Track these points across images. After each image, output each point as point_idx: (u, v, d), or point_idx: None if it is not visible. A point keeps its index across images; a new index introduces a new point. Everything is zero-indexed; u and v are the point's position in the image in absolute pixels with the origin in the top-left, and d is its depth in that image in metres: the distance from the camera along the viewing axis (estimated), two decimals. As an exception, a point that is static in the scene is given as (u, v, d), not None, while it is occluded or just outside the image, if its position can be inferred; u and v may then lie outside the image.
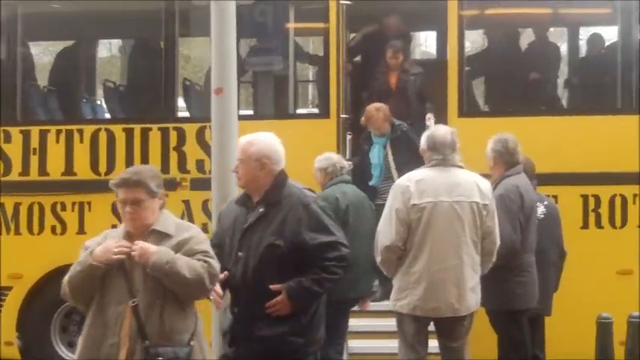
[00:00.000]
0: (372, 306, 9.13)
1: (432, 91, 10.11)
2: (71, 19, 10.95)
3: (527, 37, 11.29)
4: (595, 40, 10.91)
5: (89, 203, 9.57)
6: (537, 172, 8.31)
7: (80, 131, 9.77)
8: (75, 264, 5.16)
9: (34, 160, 9.75)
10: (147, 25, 10.68)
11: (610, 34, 10.79)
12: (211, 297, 5.59)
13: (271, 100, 10.44)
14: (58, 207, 9.69)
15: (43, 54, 15.40)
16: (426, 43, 21.96)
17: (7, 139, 9.80)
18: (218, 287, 5.54)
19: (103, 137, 9.73)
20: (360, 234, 8.10)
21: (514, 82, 10.38)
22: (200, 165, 9.50)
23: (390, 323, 7.16)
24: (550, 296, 8.16)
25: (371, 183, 9.64)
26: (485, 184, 6.80)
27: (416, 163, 7.25)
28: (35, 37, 11.27)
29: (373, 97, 10.06)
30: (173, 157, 9.65)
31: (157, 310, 5.01)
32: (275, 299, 5.46)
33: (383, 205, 7.07)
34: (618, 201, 9.46)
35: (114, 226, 5.86)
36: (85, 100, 11.08)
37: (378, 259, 6.85)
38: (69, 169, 9.71)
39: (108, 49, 15.96)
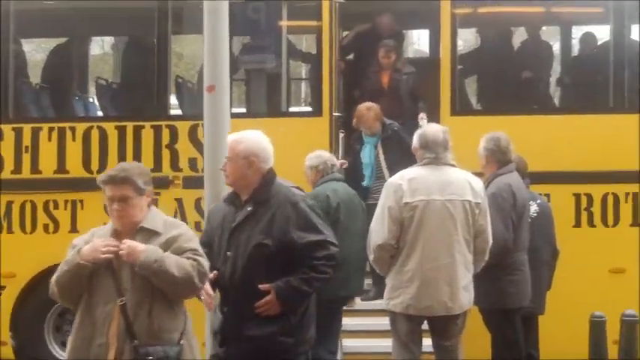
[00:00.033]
0: (366, 305, 9.16)
1: (424, 90, 10.12)
2: (64, 16, 10.91)
3: (519, 36, 11.30)
4: (587, 39, 10.94)
5: (82, 201, 9.54)
6: (530, 170, 8.32)
7: (72, 129, 9.74)
8: (62, 263, 5.11)
9: (26, 158, 9.71)
10: (139, 22, 10.65)
11: (602, 33, 10.81)
12: (202, 297, 5.57)
13: (264, 97, 10.43)
14: (51, 205, 9.66)
15: (36, 51, 15.37)
16: (419, 41, 21.96)
17: (-1, 136, 9.79)
18: (209, 287, 5.52)
19: (95, 135, 9.70)
20: (351, 232, 8.11)
21: (506, 80, 10.39)
22: (193, 163, 9.49)
23: (384, 322, 7.16)
24: (543, 295, 8.17)
25: (364, 183, 9.63)
26: (478, 183, 6.80)
27: (407, 163, 7.23)
28: (27, 34, 11.23)
29: (365, 96, 10.07)
30: (165, 155, 9.63)
31: (145, 309, 4.98)
32: (264, 299, 5.44)
33: (375, 205, 7.06)
34: (611, 199, 9.49)
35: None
36: (77, 98, 11.06)
37: (371, 257, 6.85)
38: (61, 167, 9.68)
39: (100, 46, 15.95)
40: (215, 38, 7.22)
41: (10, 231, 9.67)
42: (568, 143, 9.45)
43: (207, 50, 7.26)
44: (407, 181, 6.67)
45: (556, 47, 12.18)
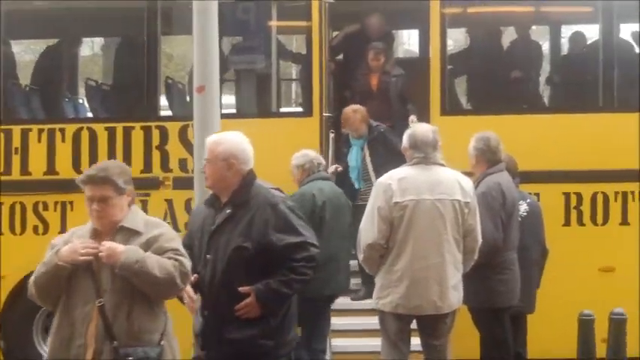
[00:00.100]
0: (355, 304, 9.17)
1: (414, 90, 10.11)
2: (53, 17, 10.91)
3: (509, 36, 11.33)
4: (577, 38, 10.97)
5: (71, 203, 9.50)
6: (519, 169, 8.33)
7: (62, 130, 9.72)
8: (40, 264, 5.06)
9: (16, 160, 9.68)
10: (129, 23, 10.63)
11: (592, 33, 10.83)
12: (185, 300, 5.55)
13: (254, 98, 10.43)
14: (40, 207, 9.65)
15: (25, 52, 15.35)
16: (409, 41, 21.99)
17: (-11, 138, 9.76)
18: (191, 290, 5.48)
19: (85, 136, 9.68)
20: (337, 231, 8.13)
21: (496, 80, 10.41)
22: (183, 164, 9.47)
23: (373, 321, 7.17)
24: (533, 294, 8.18)
25: (356, 186, 9.61)
26: (467, 182, 6.82)
27: (393, 164, 7.22)
28: (17, 35, 11.21)
29: (355, 98, 10.05)
30: (156, 156, 9.62)
31: (124, 311, 4.92)
32: (244, 302, 5.40)
33: (364, 206, 7.06)
34: (600, 198, 9.52)
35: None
36: (67, 99, 11.04)
37: (361, 257, 6.86)
38: (51, 168, 9.66)
39: (90, 47, 15.93)
40: (205, 39, 7.22)
41: (-1, 232, 9.66)
42: (558, 142, 9.47)
43: (197, 51, 7.26)
44: (396, 181, 6.68)
45: (545, 47, 12.21)
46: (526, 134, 9.36)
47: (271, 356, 5.54)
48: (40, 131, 9.72)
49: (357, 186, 9.56)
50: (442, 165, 6.80)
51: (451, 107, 9.85)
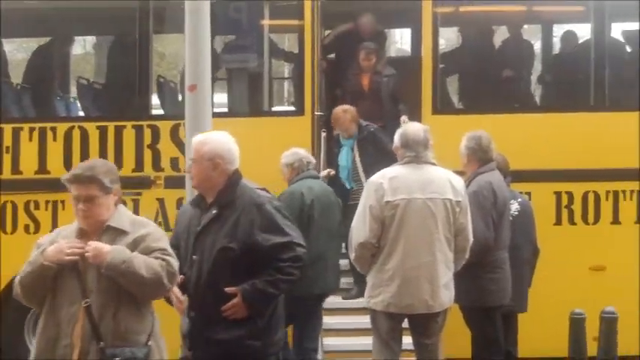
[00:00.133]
0: (347, 303, 9.17)
1: (406, 89, 10.10)
2: (45, 15, 10.89)
3: (501, 35, 11.34)
4: (568, 37, 10.99)
5: (63, 202, 9.47)
6: (511, 169, 8.34)
7: (53, 129, 9.71)
8: (26, 264, 5.01)
9: (7, 159, 9.65)
10: (121, 21, 10.62)
11: (583, 32, 10.85)
12: (173, 301, 5.53)
13: (246, 97, 10.43)
14: (32, 206, 9.63)
15: (17, 51, 15.32)
16: (401, 40, 22.01)
17: (-20, 137, 9.74)
18: (178, 292, 5.46)
19: (76, 135, 9.67)
20: (327, 229, 8.14)
21: (488, 79, 10.42)
22: (174, 163, 9.46)
23: (365, 320, 7.17)
24: (524, 293, 8.19)
25: (347, 186, 9.59)
26: (458, 181, 6.83)
27: (383, 164, 7.22)
28: (8, 34, 11.17)
29: (346, 98, 10.04)
30: (147, 154, 9.60)
31: (110, 311, 4.88)
32: (230, 302, 5.39)
33: (355, 205, 7.06)
34: (591, 197, 9.54)
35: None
36: (58, 98, 11.02)
37: (352, 256, 6.86)
38: (42, 167, 9.64)
39: (82, 46, 15.90)
40: (197, 37, 7.22)
41: (-10, 231, 9.64)
42: (549, 142, 9.49)
43: (189, 49, 7.25)
44: (388, 180, 6.68)
45: (537, 46, 12.22)
46: (517, 133, 9.37)
47: (258, 357, 5.53)
48: (32, 130, 9.69)
49: (347, 186, 9.55)
50: (433, 164, 6.80)
51: (443, 106, 9.85)
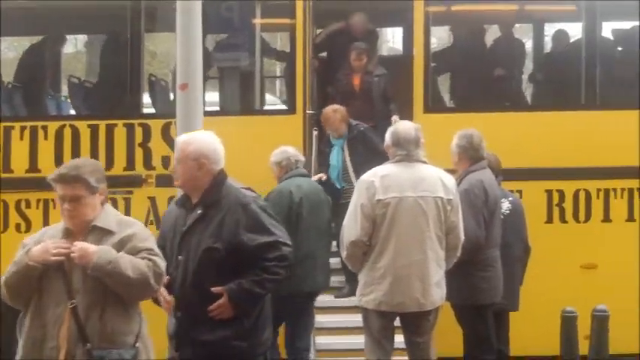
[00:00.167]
0: (339, 302, 9.18)
1: (397, 88, 10.09)
2: (36, 14, 10.87)
3: (492, 34, 11.36)
4: (559, 36, 11.01)
5: (54, 201, 9.42)
6: (502, 167, 8.34)
7: (44, 128, 9.69)
8: (11, 264, 4.94)
9: (-2, 157, 9.66)
10: (112, 20, 10.61)
11: (574, 31, 10.88)
12: (161, 302, 5.49)
13: (237, 95, 10.43)
14: (23, 204, 9.62)
15: (8, 49, 15.28)
16: (393, 39, 22.03)
17: (-29, 136, 9.71)
18: (165, 292, 5.41)
19: (67, 134, 9.66)
20: (315, 227, 8.14)
21: (479, 78, 10.44)
22: (166, 161, 9.44)
23: (357, 319, 7.16)
24: (516, 291, 8.20)
25: (337, 186, 9.54)
26: (450, 179, 6.82)
27: (373, 163, 7.19)
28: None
29: (337, 98, 10.01)
30: (138, 153, 9.60)
31: (97, 312, 4.81)
32: (216, 302, 5.35)
33: (347, 204, 7.05)
34: (582, 196, 9.57)
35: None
36: (49, 97, 11.00)
37: (344, 254, 6.86)
38: (33, 166, 9.63)
39: (73, 44, 15.88)
40: (188, 36, 7.21)
41: (-20, 230, 9.61)
42: (540, 140, 9.51)
43: (180, 48, 7.24)
44: (379, 178, 6.67)
45: (528, 45, 12.25)
46: (509, 132, 9.40)
47: (245, 357, 5.48)
48: (23, 129, 9.69)
49: (337, 186, 9.52)
50: (425, 162, 6.80)
51: (434, 105, 9.87)
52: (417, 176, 6.69)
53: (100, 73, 10.97)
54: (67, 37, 12.21)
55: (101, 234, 4.94)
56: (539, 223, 9.23)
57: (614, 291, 9.08)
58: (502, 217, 7.80)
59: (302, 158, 8.57)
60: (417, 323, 6.75)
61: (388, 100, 10.07)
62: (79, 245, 4.82)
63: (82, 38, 14.06)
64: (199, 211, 5.44)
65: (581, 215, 9.58)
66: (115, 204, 9.44)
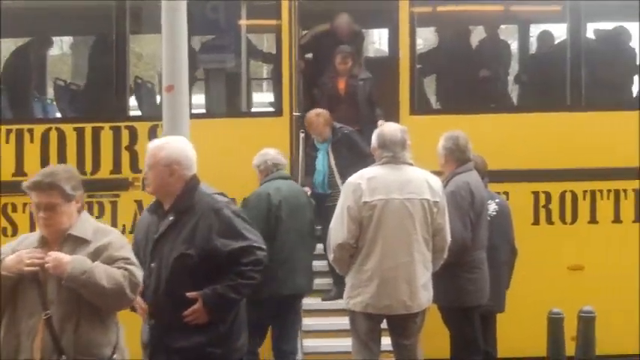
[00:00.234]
0: (326, 305, 9.17)
1: (383, 90, 10.07)
2: (21, 16, 10.82)
3: (478, 35, 11.37)
4: (544, 37, 11.04)
5: (40, 204, 9.43)
6: (488, 169, 8.35)
7: (30, 131, 9.66)
8: None
9: (-16, 161, 9.62)
10: (98, 22, 10.56)
11: (559, 32, 10.91)
12: (137, 311, 5.44)
13: (224, 97, 10.41)
14: (9, 208, 9.58)
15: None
16: (379, 40, 22.03)
17: (-43, 139, 9.67)
18: (141, 300, 5.34)
19: (53, 137, 9.63)
20: (296, 230, 8.13)
21: (465, 79, 10.44)
22: (152, 164, 9.41)
23: (345, 322, 7.16)
24: (502, 293, 8.20)
25: (317, 190, 9.47)
26: (436, 181, 6.82)
27: (358, 166, 7.19)
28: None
29: (323, 102, 9.96)
30: (125, 156, 9.58)
31: (72, 323, 4.72)
32: (191, 308, 5.30)
33: (333, 208, 7.04)
34: (569, 197, 9.60)
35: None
36: (35, 99, 10.96)
37: (331, 257, 6.84)
38: (19, 169, 9.58)
39: (59, 46, 15.81)
40: (174, 37, 7.16)
41: (-33, 234, 9.57)
42: (526, 142, 9.54)
43: (166, 50, 7.19)
44: (366, 181, 6.67)
45: (514, 46, 12.28)
46: (495, 133, 9.41)
47: None
48: (9, 132, 9.65)
49: (319, 190, 9.49)
50: (411, 164, 6.79)
51: (420, 107, 9.87)
52: (404, 178, 6.68)
53: (86, 75, 10.94)
54: (53, 39, 12.16)
55: (76, 243, 4.85)
56: (525, 224, 9.25)
57: (601, 292, 9.12)
58: (489, 218, 7.80)
59: (283, 161, 8.51)
60: (403, 325, 6.75)
61: (373, 105, 10.00)
62: (53, 255, 4.73)
63: (67, 40, 14.02)
64: (171, 218, 5.38)
65: (568, 217, 9.61)
66: (101, 207, 9.48)
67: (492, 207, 8.07)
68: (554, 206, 9.61)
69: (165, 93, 7.15)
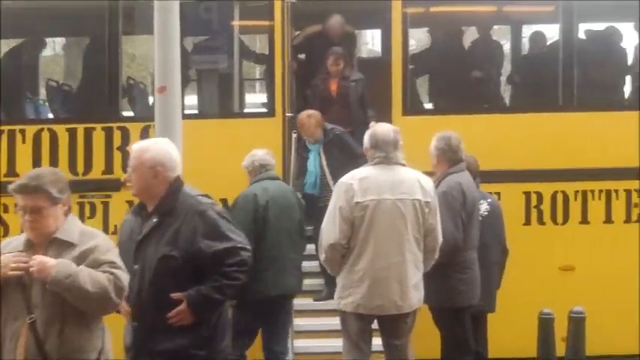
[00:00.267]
0: (318, 305, 9.18)
1: (376, 91, 10.07)
2: (13, 17, 10.80)
3: (470, 36, 11.39)
4: (537, 38, 11.05)
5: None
6: (480, 169, 8.37)
7: (22, 131, 9.65)
8: None
9: (-24, 162, 9.61)
10: (90, 22, 10.56)
11: (552, 32, 10.93)
12: (122, 313, 5.40)
13: (216, 98, 10.41)
14: (1, 209, 9.57)
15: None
16: (372, 41, 22.03)
17: (-51, 140, 9.66)
18: (125, 303, 5.31)
19: (45, 137, 9.62)
20: (285, 230, 8.15)
21: (458, 80, 10.46)
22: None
23: (336, 322, 7.15)
24: (493, 293, 8.22)
25: (306, 190, 9.47)
26: (428, 182, 6.83)
27: (350, 167, 7.20)
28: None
29: (315, 104, 9.95)
30: (117, 157, 9.57)
31: (56, 327, 4.70)
32: (176, 309, 5.28)
33: (325, 209, 7.04)
34: (560, 198, 9.62)
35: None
36: (27, 100, 10.94)
37: (322, 257, 6.84)
38: (11, 170, 9.57)
39: (51, 47, 15.81)
40: (166, 38, 7.16)
41: (-41, 234, 9.56)
42: (518, 142, 9.55)
43: (158, 51, 7.19)
44: (358, 181, 6.67)
45: (506, 47, 12.30)
46: (487, 134, 9.42)
47: None
48: (1, 132, 9.63)
49: (309, 190, 9.48)
50: (403, 165, 6.80)
51: (413, 107, 9.88)
52: (396, 179, 6.69)
53: (78, 76, 10.93)
54: (46, 39, 12.15)
55: (62, 247, 4.82)
56: (517, 224, 9.27)
57: (592, 293, 9.14)
58: (480, 218, 7.81)
59: (271, 161, 8.51)
60: (394, 326, 6.76)
61: (365, 106, 9.99)
62: (38, 259, 4.70)
63: (60, 41, 14.01)
64: (155, 220, 5.36)
65: (559, 217, 9.63)
66: (93, 208, 9.47)
67: (484, 207, 8.09)
68: (546, 206, 9.63)
69: (158, 94, 7.16)
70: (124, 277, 4.82)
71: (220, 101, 10.44)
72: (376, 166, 6.75)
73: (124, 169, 9.35)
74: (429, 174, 7.18)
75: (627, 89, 10.73)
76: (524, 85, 10.95)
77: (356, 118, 9.90)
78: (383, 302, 6.60)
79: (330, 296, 8.37)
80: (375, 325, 6.86)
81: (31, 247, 4.85)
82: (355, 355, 6.77)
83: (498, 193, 9.06)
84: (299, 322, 9.00)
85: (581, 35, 10.37)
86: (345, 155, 9.09)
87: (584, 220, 9.63)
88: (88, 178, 9.53)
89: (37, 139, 9.62)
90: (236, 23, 10.25)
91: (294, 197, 8.50)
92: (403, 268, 6.61)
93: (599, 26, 10.71)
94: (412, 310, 6.73)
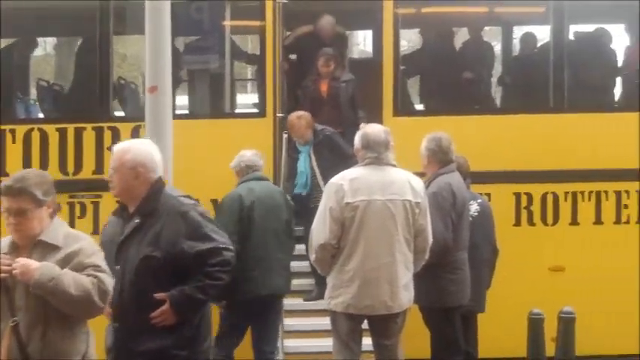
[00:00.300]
0: (308, 305, 9.18)
1: (366, 92, 10.08)
2: (4, 16, 10.79)
3: (461, 37, 11.40)
4: (528, 39, 11.07)
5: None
6: (471, 170, 8.38)
7: (12, 131, 9.63)
8: None
9: (-34, 162, 9.58)
10: (81, 22, 10.55)
11: (543, 34, 10.96)
12: (106, 315, 5.41)
13: (207, 98, 10.41)
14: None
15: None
16: (364, 42, 22.06)
17: (-62, 140, 9.63)
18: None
19: (35, 137, 9.60)
20: (272, 230, 8.15)
21: (448, 81, 10.47)
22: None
23: (326, 322, 7.16)
24: (483, 293, 8.24)
25: (297, 190, 9.47)
26: (418, 182, 6.84)
27: (340, 167, 7.21)
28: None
29: (305, 105, 9.94)
30: (108, 157, 9.47)
31: (39, 331, 4.67)
32: (159, 309, 5.25)
33: (316, 209, 7.04)
34: (550, 198, 9.64)
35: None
36: (18, 100, 10.92)
37: (312, 257, 6.85)
38: (1, 170, 9.55)
39: (42, 47, 15.78)
40: (157, 38, 7.17)
41: (-52, 235, 9.51)
42: (509, 143, 9.57)
43: (150, 51, 7.19)
44: (348, 182, 6.68)
45: (497, 48, 12.31)
46: (477, 135, 9.44)
47: None
48: (-9, 132, 9.62)
49: (297, 190, 9.46)
50: (394, 165, 6.81)
51: (403, 108, 9.88)
52: (386, 179, 6.70)
53: (69, 75, 10.91)
54: (36, 39, 12.12)
55: (46, 249, 4.78)
56: (507, 225, 9.29)
57: (581, 293, 9.16)
58: (470, 219, 7.83)
59: (258, 162, 8.50)
60: (384, 326, 6.77)
61: (356, 107, 9.99)
62: (22, 262, 4.65)
63: (50, 41, 13.98)
64: (137, 221, 5.33)
65: (549, 218, 9.65)
66: (83, 208, 9.46)
67: (474, 207, 8.10)
68: (536, 207, 9.65)
69: (149, 94, 7.16)
70: (109, 280, 4.78)
71: (211, 101, 10.43)
72: (367, 167, 6.76)
73: (115, 170, 9.45)
74: (420, 175, 7.20)
75: (618, 90, 10.76)
76: (515, 87, 10.96)
77: (346, 119, 9.89)
78: (373, 302, 6.61)
79: (320, 296, 8.38)
80: (365, 325, 6.87)
81: (15, 250, 4.80)
82: (345, 354, 6.78)
83: (489, 194, 9.09)
84: (289, 322, 9.00)
85: (572, 37, 10.39)
86: (335, 156, 9.09)
87: (574, 221, 9.66)
88: (78, 178, 9.53)
89: (27, 138, 9.60)
90: (227, 23, 10.25)
91: (281, 198, 8.50)
92: (393, 268, 6.62)
93: (590, 28, 10.74)
94: (402, 311, 6.74)
